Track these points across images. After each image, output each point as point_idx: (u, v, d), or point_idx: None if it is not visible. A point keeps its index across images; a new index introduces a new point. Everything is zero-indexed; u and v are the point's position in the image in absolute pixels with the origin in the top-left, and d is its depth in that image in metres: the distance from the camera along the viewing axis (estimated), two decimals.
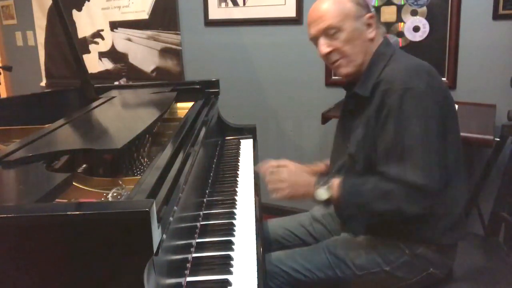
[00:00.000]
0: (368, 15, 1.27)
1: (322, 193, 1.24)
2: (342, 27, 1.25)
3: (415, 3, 2.31)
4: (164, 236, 0.83)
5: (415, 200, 1.14)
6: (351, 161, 1.29)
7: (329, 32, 1.26)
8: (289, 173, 1.31)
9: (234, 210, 1.34)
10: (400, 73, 1.20)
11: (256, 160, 1.77)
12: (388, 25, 2.37)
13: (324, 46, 1.28)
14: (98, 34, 3.40)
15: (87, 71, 1.97)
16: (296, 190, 1.29)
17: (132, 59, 3.30)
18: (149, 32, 3.15)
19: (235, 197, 1.44)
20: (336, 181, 1.24)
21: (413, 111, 1.14)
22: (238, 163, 1.75)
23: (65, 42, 1.89)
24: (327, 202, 1.26)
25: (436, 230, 1.23)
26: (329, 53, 1.28)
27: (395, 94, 1.16)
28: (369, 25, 1.28)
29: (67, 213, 0.70)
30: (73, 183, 1.03)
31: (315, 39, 1.31)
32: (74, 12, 3.43)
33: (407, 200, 1.14)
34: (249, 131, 2.07)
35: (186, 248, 1.09)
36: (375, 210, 1.18)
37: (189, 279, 1.01)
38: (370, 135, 1.23)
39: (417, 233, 1.24)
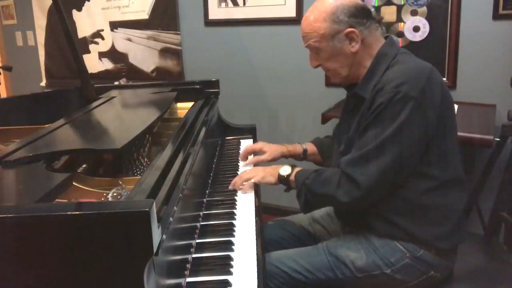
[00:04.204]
0: (347, 30, 1.25)
1: (285, 169, 1.38)
2: (319, 47, 1.30)
3: (415, 3, 2.31)
4: (164, 236, 0.83)
5: (346, 191, 1.20)
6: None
7: (312, 50, 1.34)
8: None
9: (234, 211, 1.34)
10: (399, 75, 1.19)
11: None
12: (388, 25, 2.38)
13: (312, 60, 1.36)
14: (98, 34, 3.40)
15: (87, 71, 1.97)
16: (265, 171, 1.42)
17: (132, 59, 3.29)
18: (149, 32, 3.15)
19: (235, 197, 1.43)
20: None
21: (393, 114, 1.16)
22: (238, 163, 1.75)
23: (65, 42, 1.89)
24: (286, 182, 1.37)
25: (437, 234, 1.23)
26: (316, 66, 1.36)
27: (385, 95, 1.17)
28: (351, 39, 1.27)
29: (67, 213, 0.70)
30: (73, 183, 1.03)
31: None
32: (74, 12, 3.43)
33: (339, 189, 1.21)
34: (249, 131, 2.07)
35: (186, 249, 1.09)
36: (314, 191, 1.27)
37: (189, 279, 1.01)
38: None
39: (418, 237, 1.24)
